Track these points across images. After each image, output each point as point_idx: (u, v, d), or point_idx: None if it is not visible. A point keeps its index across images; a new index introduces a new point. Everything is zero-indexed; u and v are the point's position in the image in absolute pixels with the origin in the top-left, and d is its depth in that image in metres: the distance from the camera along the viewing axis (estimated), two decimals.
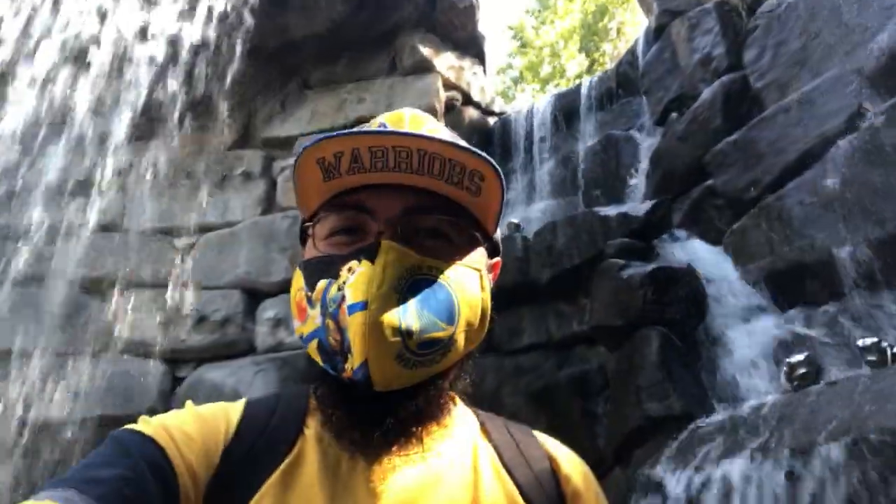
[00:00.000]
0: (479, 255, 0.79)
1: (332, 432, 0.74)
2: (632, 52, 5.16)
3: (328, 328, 0.71)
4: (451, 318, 0.72)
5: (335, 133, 0.72)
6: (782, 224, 2.84)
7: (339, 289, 0.70)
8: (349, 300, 0.69)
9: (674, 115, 4.02)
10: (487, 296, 0.78)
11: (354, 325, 0.68)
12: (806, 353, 2.24)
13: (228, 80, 4.86)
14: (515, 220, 4.13)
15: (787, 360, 2.27)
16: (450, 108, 5.44)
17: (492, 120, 5.70)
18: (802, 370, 2.19)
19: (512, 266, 3.73)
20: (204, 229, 4.91)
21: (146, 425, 0.71)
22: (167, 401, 4.40)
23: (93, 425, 4.21)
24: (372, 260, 0.70)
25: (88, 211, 4.76)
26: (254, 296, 4.66)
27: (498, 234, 0.86)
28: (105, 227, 4.86)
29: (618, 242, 3.23)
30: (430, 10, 5.48)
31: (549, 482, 0.80)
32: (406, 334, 0.68)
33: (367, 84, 5.34)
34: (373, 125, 0.82)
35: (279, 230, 4.75)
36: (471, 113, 5.58)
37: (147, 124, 4.89)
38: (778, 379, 2.33)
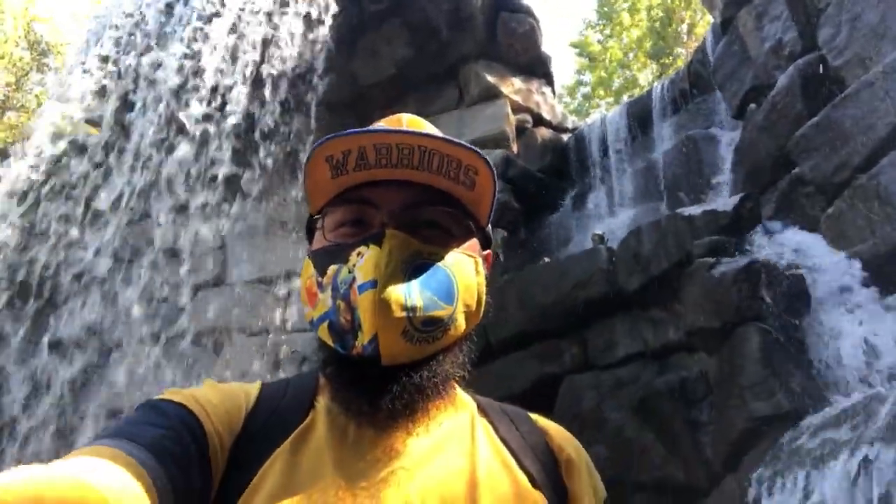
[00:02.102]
0: (473, 244, 0.85)
1: (341, 405, 0.79)
2: (701, 49, 5.05)
3: (339, 308, 0.77)
4: (450, 299, 0.79)
5: (342, 133, 0.78)
6: (881, 203, 2.68)
7: (350, 271, 0.77)
8: (359, 280, 0.75)
9: (752, 106, 3.88)
10: (483, 280, 0.84)
11: (365, 302, 0.74)
12: None
13: (309, 132, 5.10)
14: (599, 232, 4.08)
15: None
16: (521, 130, 5.48)
17: (565, 137, 5.69)
18: None
19: (599, 277, 3.68)
20: (298, 276, 5.13)
21: (176, 395, 0.76)
22: None
23: None
24: (379, 245, 0.76)
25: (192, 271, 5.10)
26: None
27: (489, 228, 0.91)
28: (210, 283, 5.18)
29: (706, 241, 3.13)
30: (491, 39, 5.57)
31: (542, 451, 0.86)
32: (411, 310, 0.74)
33: (436, 119, 5.47)
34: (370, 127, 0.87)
35: None
36: (543, 132, 5.60)
37: (233, 185, 5.20)
38: (889, 366, 2.18)
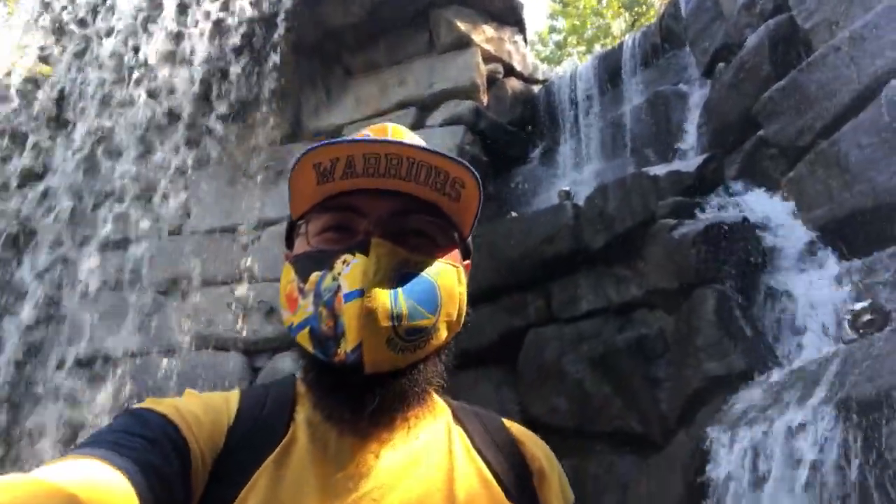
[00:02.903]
0: (456, 255, 0.86)
1: (322, 413, 0.79)
2: (674, 3, 5.00)
3: (321, 315, 0.77)
4: (434, 309, 0.79)
5: (334, 140, 0.78)
6: (840, 169, 2.74)
7: (335, 279, 0.77)
8: (345, 289, 0.75)
9: (721, 65, 3.89)
10: (464, 290, 0.86)
11: (351, 311, 0.74)
12: (870, 301, 2.18)
13: (273, 76, 4.97)
14: (566, 188, 4.10)
15: (851, 308, 2.22)
16: (492, 80, 5.42)
17: (536, 88, 5.64)
18: (867, 317, 2.14)
19: (565, 233, 3.72)
20: (265, 224, 5.08)
21: (158, 404, 0.76)
22: None
23: None
24: (366, 253, 0.77)
25: (154, 217, 5.00)
26: None
27: (469, 240, 0.92)
28: (172, 231, 5.10)
29: (670, 202, 3.18)
30: None
31: (516, 461, 0.87)
32: (397, 319, 0.75)
33: (407, 65, 5.37)
34: (357, 136, 0.87)
35: None
36: (514, 84, 5.54)
37: (197, 130, 5.07)
38: (842, 328, 2.27)
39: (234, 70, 4.93)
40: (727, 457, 2.10)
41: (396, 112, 5.13)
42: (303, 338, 0.79)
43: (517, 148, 5.15)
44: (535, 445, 0.90)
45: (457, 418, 0.89)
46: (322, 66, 5.55)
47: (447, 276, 0.82)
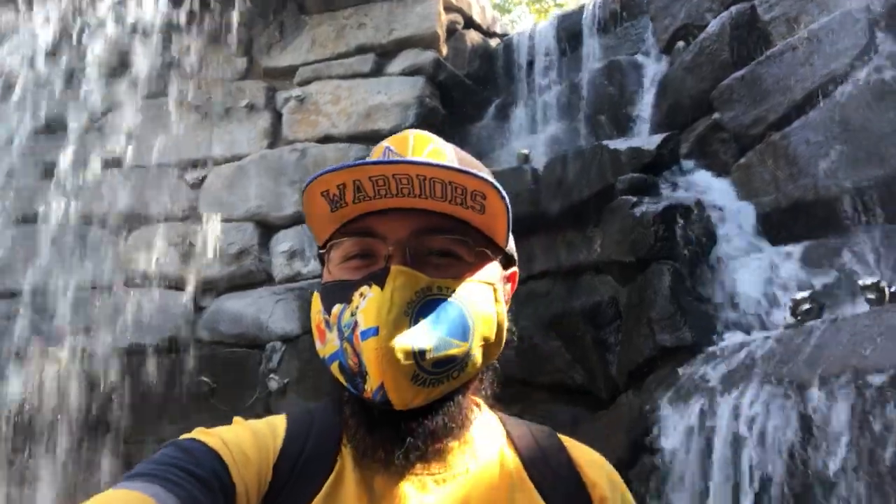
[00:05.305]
0: (491, 270, 0.82)
1: (357, 449, 0.78)
2: None
3: (346, 351, 0.75)
4: (464, 335, 0.76)
5: (332, 168, 0.75)
6: (787, 162, 2.99)
7: (353, 314, 0.75)
8: (361, 326, 0.73)
9: (680, 44, 4.05)
10: (503, 308, 0.82)
11: (368, 351, 0.72)
12: (810, 291, 2.44)
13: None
14: (525, 151, 4.22)
15: (792, 296, 2.48)
16: (451, 31, 5.39)
17: (494, 42, 5.66)
18: (806, 306, 2.40)
19: (524, 197, 3.86)
20: (212, 163, 4.97)
21: (209, 437, 0.74)
22: (193, 329, 4.61)
23: (121, 354, 4.44)
24: (381, 285, 0.73)
25: (98, 148, 4.80)
26: (267, 228, 4.78)
27: (512, 246, 0.87)
28: (115, 163, 4.91)
29: (628, 178, 3.36)
30: None
31: (574, 490, 0.83)
32: (419, 355, 0.72)
33: (366, 8, 5.24)
34: (378, 149, 0.84)
35: (287, 164, 4.82)
36: (473, 36, 5.53)
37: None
38: (781, 313, 2.54)
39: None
40: (675, 428, 2.34)
41: (355, 57, 5.05)
42: (335, 370, 0.79)
43: (475, 103, 5.20)
44: (595, 470, 0.86)
45: (510, 439, 0.86)
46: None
47: (478, 297, 0.78)
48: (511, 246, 0.88)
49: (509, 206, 0.78)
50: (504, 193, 0.76)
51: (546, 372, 3.45)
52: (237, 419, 0.81)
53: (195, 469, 0.68)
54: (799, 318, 2.40)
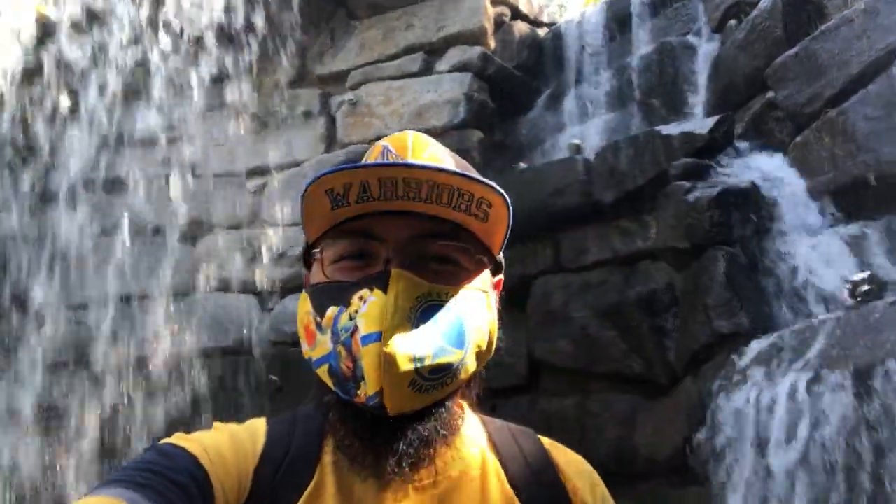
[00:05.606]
0: (485, 277, 0.82)
1: (345, 455, 0.77)
2: None
3: (340, 355, 0.73)
4: (460, 343, 0.75)
5: (345, 166, 0.74)
6: (845, 139, 2.90)
7: (351, 318, 0.73)
8: (362, 331, 0.71)
9: (732, 22, 3.97)
10: (494, 316, 0.82)
11: (369, 356, 0.70)
12: (869, 272, 2.38)
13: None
14: (576, 142, 4.22)
15: (851, 277, 2.42)
16: (499, 24, 5.40)
17: (542, 32, 5.64)
18: (865, 287, 2.34)
19: (576, 188, 3.87)
20: (274, 169, 5.16)
21: (188, 442, 0.74)
22: (260, 330, 4.82)
23: (198, 355, 4.70)
24: (384, 289, 0.72)
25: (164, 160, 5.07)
26: None
27: (500, 255, 0.87)
28: (181, 173, 5.16)
29: (682, 163, 3.32)
30: None
31: (555, 493, 0.83)
32: (419, 361, 0.71)
33: (415, 8, 5.32)
34: (376, 149, 0.83)
35: None
36: (521, 27, 5.52)
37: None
38: (841, 295, 2.49)
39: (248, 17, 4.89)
40: (734, 413, 2.33)
41: (403, 57, 5.14)
42: (323, 373, 0.77)
43: (525, 94, 5.21)
44: (577, 475, 0.86)
45: (492, 443, 0.86)
46: (327, 5, 5.49)
47: (474, 305, 0.78)
48: (500, 255, 0.87)
49: (511, 215, 0.78)
50: (509, 202, 0.76)
51: (602, 361, 3.46)
52: (217, 424, 0.81)
53: (174, 475, 0.68)
54: (859, 299, 2.34)
